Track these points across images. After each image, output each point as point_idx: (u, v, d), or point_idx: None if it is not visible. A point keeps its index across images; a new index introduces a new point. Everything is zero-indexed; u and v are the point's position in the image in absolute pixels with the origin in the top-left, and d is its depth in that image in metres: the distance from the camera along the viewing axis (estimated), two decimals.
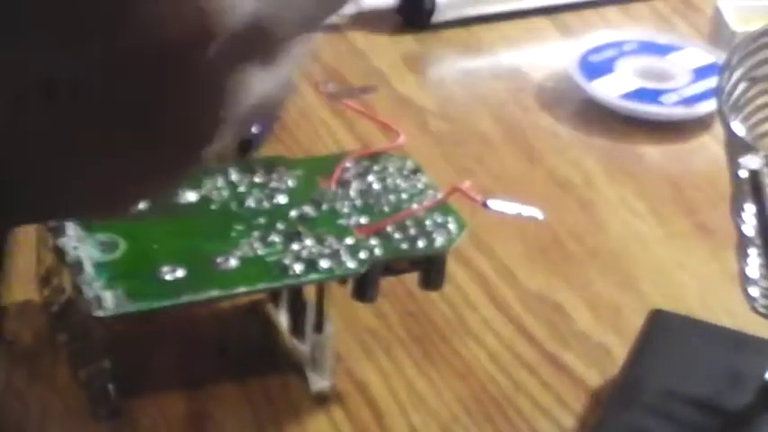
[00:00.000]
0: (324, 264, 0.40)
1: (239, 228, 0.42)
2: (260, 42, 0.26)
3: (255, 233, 0.42)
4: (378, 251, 0.41)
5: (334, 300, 0.44)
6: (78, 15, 0.23)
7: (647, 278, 0.51)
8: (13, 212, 0.26)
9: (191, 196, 0.44)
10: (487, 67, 0.66)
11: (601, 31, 0.68)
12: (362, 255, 0.41)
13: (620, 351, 0.46)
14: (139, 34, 0.23)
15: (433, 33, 0.68)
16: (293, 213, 0.43)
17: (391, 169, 0.46)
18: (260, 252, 0.41)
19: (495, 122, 0.60)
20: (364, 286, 0.42)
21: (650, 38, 0.66)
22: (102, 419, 0.41)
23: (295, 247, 0.41)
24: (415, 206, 0.44)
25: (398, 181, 0.45)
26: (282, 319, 0.46)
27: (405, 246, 0.42)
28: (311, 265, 0.40)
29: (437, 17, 0.68)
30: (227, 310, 0.47)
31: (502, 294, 0.49)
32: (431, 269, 0.43)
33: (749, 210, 0.38)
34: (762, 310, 0.40)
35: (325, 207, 0.43)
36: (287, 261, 0.40)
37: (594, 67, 0.63)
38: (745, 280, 0.40)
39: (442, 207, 0.43)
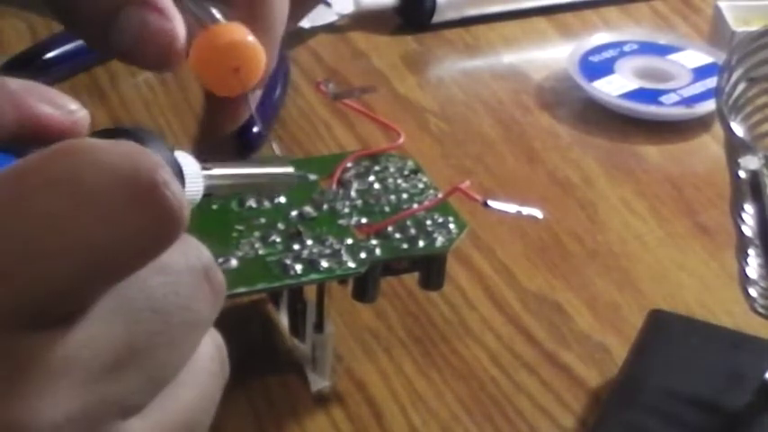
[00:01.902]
0: (324, 264, 0.40)
1: (240, 228, 0.42)
2: None
3: (256, 233, 0.42)
4: (378, 251, 0.41)
5: (335, 300, 0.44)
6: None
7: (647, 278, 0.51)
8: None
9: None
10: (487, 67, 0.66)
11: (601, 31, 0.68)
12: (363, 255, 0.41)
13: (619, 351, 0.46)
14: None
15: (433, 33, 0.68)
16: (293, 213, 0.43)
17: (392, 169, 0.46)
18: (260, 252, 0.41)
19: (495, 122, 0.61)
20: (364, 286, 0.42)
21: (650, 38, 0.66)
22: None
23: (295, 247, 0.41)
24: (415, 206, 0.44)
25: (399, 181, 0.45)
26: (283, 318, 0.46)
27: (405, 246, 0.42)
28: (311, 265, 0.40)
29: (437, 17, 0.68)
30: (227, 309, 0.47)
31: (502, 294, 0.49)
32: (431, 269, 0.43)
33: (749, 210, 0.38)
34: (761, 310, 0.40)
35: (325, 207, 0.43)
36: (287, 261, 0.40)
37: (594, 68, 0.63)
38: (744, 280, 0.40)
39: (443, 207, 0.43)
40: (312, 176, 0.41)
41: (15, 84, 0.28)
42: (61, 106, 0.28)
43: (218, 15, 0.41)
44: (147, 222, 0.25)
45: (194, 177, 0.31)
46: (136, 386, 0.26)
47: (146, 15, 0.39)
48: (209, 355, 0.29)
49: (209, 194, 0.32)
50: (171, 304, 0.27)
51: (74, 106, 0.29)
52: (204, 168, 0.32)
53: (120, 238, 0.25)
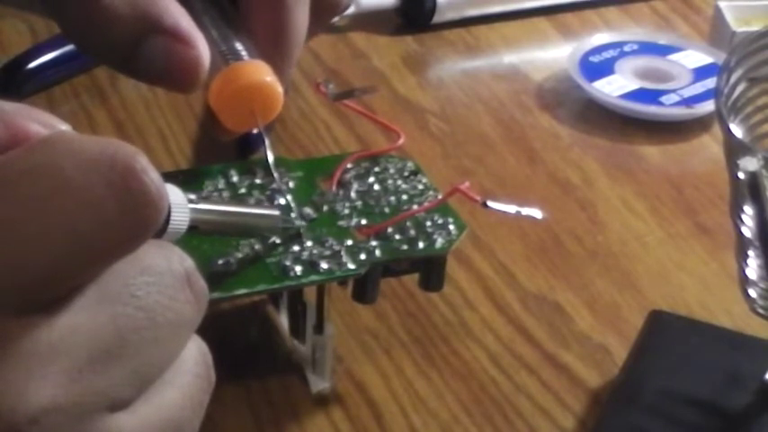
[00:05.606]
0: (324, 265, 0.40)
1: None
2: None
3: None
4: (378, 252, 0.41)
5: (335, 301, 0.44)
6: None
7: (647, 278, 0.51)
8: None
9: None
10: (487, 67, 0.66)
11: (601, 31, 0.68)
12: (362, 256, 0.41)
13: (619, 351, 0.46)
14: None
15: (433, 33, 0.68)
16: (293, 215, 0.43)
17: (391, 170, 0.46)
18: (260, 253, 0.41)
19: (495, 122, 0.61)
20: (364, 287, 0.42)
21: (650, 38, 0.66)
22: None
23: (295, 248, 0.41)
24: (415, 207, 0.44)
25: (399, 182, 0.45)
26: (283, 320, 0.46)
27: (405, 247, 0.42)
28: (311, 266, 0.40)
29: (437, 17, 0.68)
30: (227, 310, 0.47)
31: (502, 295, 0.49)
32: (431, 270, 0.43)
33: (748, 211, 0.38)
34: (761, 311, 0.40)
35: (325, 208, 0.43)
36: (287, 262, 0.40)
37: (595, 68, 0.63)
38: (744, 281, 0.40)
39: (442, 208, 0.43)
40: (299, 222, 0.41)
41: (7, 105, 0.29)
42: (51, 125, 0.29)
43: (241, 51, 0.41)
44: (127, 207, 0.26)
45: (180, 208, 0.31)
46: (123, 380, 0.27)
47: (170, 44, 0.39)
48: (193, 359, 0.30)
49: (194, 227, 0.33)
50: (155, 303, 0.28)
51: (63, 126, 0.29)
52: (191, 201, 0.32)
53: (100, 223, 0.26)
